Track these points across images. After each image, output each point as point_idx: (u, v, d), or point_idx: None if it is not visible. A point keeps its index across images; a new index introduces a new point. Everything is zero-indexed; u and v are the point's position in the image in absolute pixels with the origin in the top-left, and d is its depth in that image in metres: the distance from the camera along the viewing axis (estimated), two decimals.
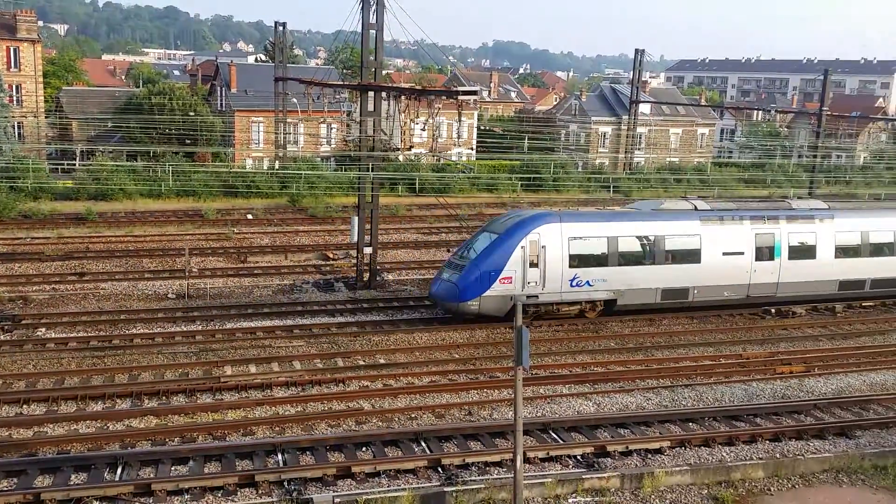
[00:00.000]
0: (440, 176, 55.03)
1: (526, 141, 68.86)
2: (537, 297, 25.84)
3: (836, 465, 17.74)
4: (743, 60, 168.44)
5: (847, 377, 23.65)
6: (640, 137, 71.12)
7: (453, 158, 64.25)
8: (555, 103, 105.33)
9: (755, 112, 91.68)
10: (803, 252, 28.99)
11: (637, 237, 27.11)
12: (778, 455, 17.97)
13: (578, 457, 17.41)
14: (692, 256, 27.40)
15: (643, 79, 73.44)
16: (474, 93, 31.00)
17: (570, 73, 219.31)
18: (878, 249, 30.13)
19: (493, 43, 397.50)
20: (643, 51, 63.11)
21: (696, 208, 28.72)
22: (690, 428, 19.25)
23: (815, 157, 42.85)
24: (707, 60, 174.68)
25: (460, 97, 28.68)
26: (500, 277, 25.12)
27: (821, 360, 24.91)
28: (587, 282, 26.33)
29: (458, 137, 67.32)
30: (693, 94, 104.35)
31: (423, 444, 17.58)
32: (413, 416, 19.67)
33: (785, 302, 29.69)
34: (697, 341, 26.54)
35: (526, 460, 16.58)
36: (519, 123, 79.90)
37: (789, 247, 28.77)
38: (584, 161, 70.75)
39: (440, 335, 26.20)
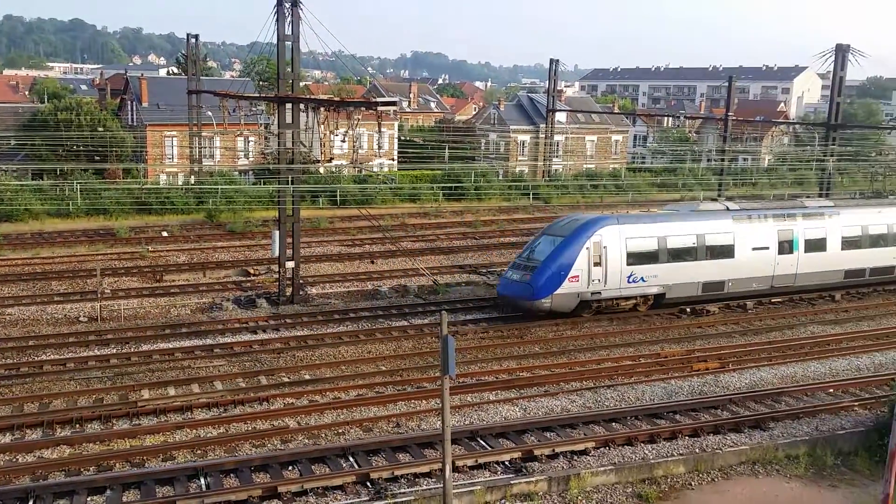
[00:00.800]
0: (362, 187, 54.74)
1: (447, 150, 69.30)
2: (600, 293, 28.17)
3: (752, 457, 18.45)
4: (653, 69, 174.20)
5: (760, 371, 24.65)
6: (558, 145, 72.58)
7: (375, 170, 64.08)
8: (474, 113, 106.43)
9: (665, 118, 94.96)
10: (816, 245, 31.79)
11: (683, 236, 29.35)
12: (697, 450, 18.55)
13: (507, 462, 17.55)
14: (727, 252, 29.91)
15: (559, 88, 74.98)
16: (394, 103, 31.00)
17: (489, 84, 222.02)
18: (875, 241, 33.21)
19: (412, 54, 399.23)
20: (558, 61, 64.47)
21: (727, 209, 31.48)
22: (614, 428, 19.68)
23: (722, 160, 44.70)
24: (619, 69, 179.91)
25: (380, 108, 28.62)
26: (569, 276, 27.26)
27: (735, 355, 25.88)
28: (641, 278, 28.56)
29: (380, 148, 67.21)
30: (607, 102, 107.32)
31: (351, 459, 17.39)
32: (340, 431, 19.44)
33: (801, 291, 32.59)
34: (618, 342, 27.19)
35: (455, 469, 16.60)
36: (439, 133, 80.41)
37: (805, 241, 31.52)
38: (505, 169, 71.69)
39: (366, 348, 26.02)
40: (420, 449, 18.02)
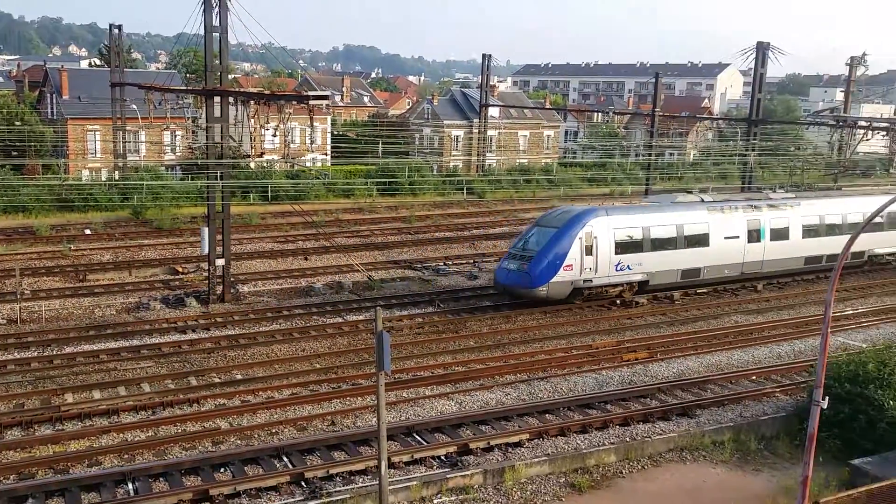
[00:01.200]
0: (294, 183, 54.00)
1: (380, 145, 68.98)
2: (591, 280, 29.56)
3: (680, 444, 19.01)
4: (583, 65, 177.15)
5: (686, 360, 25.38)
6: (491, 140, 73.09)
7: (307, 165, 63.30)
8: (408, 107, 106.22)
9: (595, 114, 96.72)
10: (780, 234, 33.81)
11: (664, 226, 30.93)
12: (628, 439, 19.00)
13: (443, 457, 17.62)
14: (703, 241, 31.61)
15: (491, 83, 75.50)
16: (326, 97, 30.64)
17: (422, 78, 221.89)
18: (831, 230, 35.05)
19: (344, 47, 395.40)
20: (490, 56, 64.91)
21: (703, 200, 33.12)
22: (547, 419, 19.98)
23: (650, 155, 45.82)
24: (550, 65, 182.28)
25: (311, 102, 28.23)
26: (563, 265, 28.65)
27: (663, 345, 26.59)
28: (628, 266, 30.08)
29: (312, 143, 66.37)
30: (538, 98, 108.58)
31: (285, 459, 17.17)
32: (274, 431, 19.17)
33: (767, 276, 34.54)
34: (551, 335, 27.59)
35: (391, 465, 16.59)
36: (373, 128, 79.92)
37: (770, 230, 33.47)
38: (439, 164, 71.80)
39: (300, 346, 25.71)
40: (356, 446, 17.93)
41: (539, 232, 30.01)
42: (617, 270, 29.90)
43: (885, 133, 56.34)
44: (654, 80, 45.25)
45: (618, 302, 31.29)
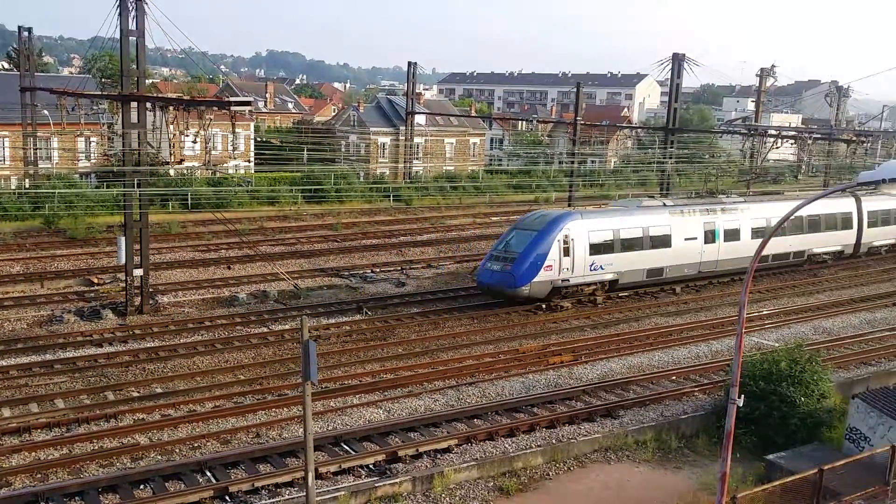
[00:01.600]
0: (216, 190, 52.75)
1: (305, 152, 68.21)
2: (569, 280, 31.01)
3: (605, 445, 19.41)
4: (507, 74, 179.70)
5: (609, 362, 25.95)
6: (418, 147, 73.27)
7: (230, 172, 62.01)
8: (333, 114, 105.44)
9: (520, 122, 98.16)
10: (732, 236, 36.02)
11: (632, 228, 32.72)
12: (554, 441, 19.29)
13: (371, 466, 17.50)
14: (666, 242, 33.56)
15: (417, 91, 75.72)
16: (248, 103, 30.11)
17: (348, 85, 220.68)
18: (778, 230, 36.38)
19: (268, 52, 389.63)
20: (416, 63, 65.09)
21: (664, 205, 35.36)
22: (476, 424, 20.09)
23: (573, 162, 46.78)
24: (475, 74, 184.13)
25: (233, 108, 27.70)
26: (544, 266, 30.00)
27: (587, 348, 27.11)
28: (600, 266, 31.70)
29: (234, 150, 64.97)
30: (464, 106, 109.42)
31: (208, 473, 16.72)
32: (196, 445, 18.65)
33: (721, 275, 36.90)
34: (479, 340, 27.78)
35: (318, 476, 16.36)
36: (298, 135, 78.98)
37: (724, 231, 35.74)
38: (366, 171, 71.50)
39: (223, 357, 25.10)
40: (282, 458, 17.63)
41: (519, 234, 31.26)
42: (591, 270, 31.53)
43: (793, 141, 59.06)
44: (575, 89, 46.20)
45: (543, 307, 31.79)
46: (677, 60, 43.38)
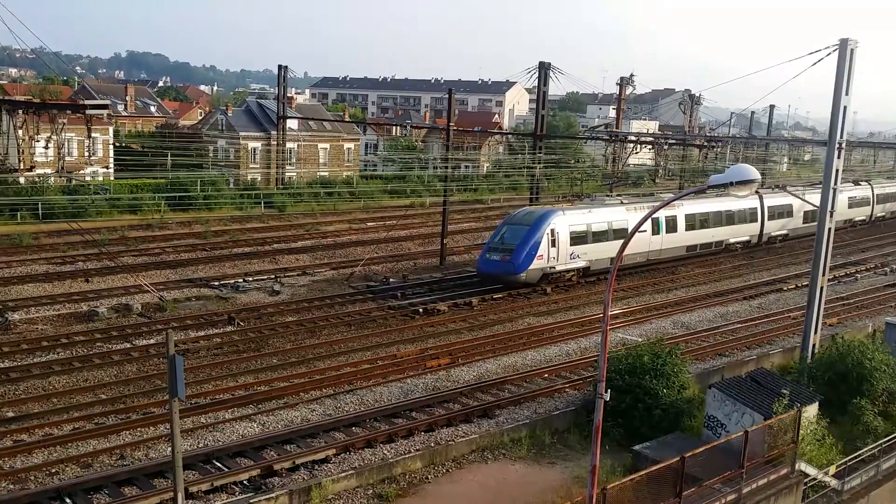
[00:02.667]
0: (72, 199, 49.61)
1: (169, 158, 65.36)
2: (555, 268, 35.68)
3: (482, 445, 19.73)
4: (380, 79, 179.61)
5: (486, 363, 26.44)
6: (290, 152, 71.87)
7: (87, 179, 58.46)
8: (200, 118, 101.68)
9: (394, 127, 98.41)
10: (672, 228, 41.18)
11: (600, 223, 37.31)
12: (433, 444, 19.42)
13: (245, 482, 16.97)
14: (624, 234, 37.26)
15: (289, 95, 74.26)
16: (106, 106, 28.73)
17: (215, 88, 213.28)
18: (703, 224, 43.55)
19: (128, 53, 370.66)
20: (286, 67, 63.86)
21: (622, 202, 40.39)
22: (354, 432, 19.90)
23: (446, 167, 47.38)
24: (348, 78, 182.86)
25: (89, 111, 26.23)
26: (536, 255, 34.36)
27: (463, 351, 27.50)
28: (577, 255, 36.31)
29: (91, 155, 61.37)
30: (337, 111, 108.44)
31: (67, 500, 15.66)
32: (54, 471, 17.43)
33: (663, 262, 42.02)
34: (356, 347, 27.56)
35: (189, 496, 15.69)
36: (162, 139, 75.52)
37: (665, 225, 40.72)
38: (236, 177, 69.35)
39: (83, 376, 23.62)
40: (149, 480, 16.77)
41: (512, 229, 35.52)
42: (571, 259, 36.24)
43: (651, 147, 62.33)
44: (448, 95, 46.86)
45: (421, 311, 31.98)
46: (543, 69, 44.83)
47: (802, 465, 18.27)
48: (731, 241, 46.24)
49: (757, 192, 46.48)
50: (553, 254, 35.15)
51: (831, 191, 24.65)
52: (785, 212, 50.08)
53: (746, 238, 47.22)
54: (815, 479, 18.68)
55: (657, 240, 40.34)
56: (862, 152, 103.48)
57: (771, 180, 65.21)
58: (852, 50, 23.29)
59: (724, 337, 30.68)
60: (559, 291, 36.94)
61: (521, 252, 34.29)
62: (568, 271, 36.58)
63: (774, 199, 49.23)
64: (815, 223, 43.19)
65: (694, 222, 42.67)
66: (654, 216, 38.74)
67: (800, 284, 39.40)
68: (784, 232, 50.66)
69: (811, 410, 19.45)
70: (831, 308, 33.81)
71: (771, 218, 48.68)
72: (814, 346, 24.96)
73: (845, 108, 23.67)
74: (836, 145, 24.12)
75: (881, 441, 21.01)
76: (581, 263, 36.76)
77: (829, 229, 24.87)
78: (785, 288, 39.86)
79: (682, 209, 41.71)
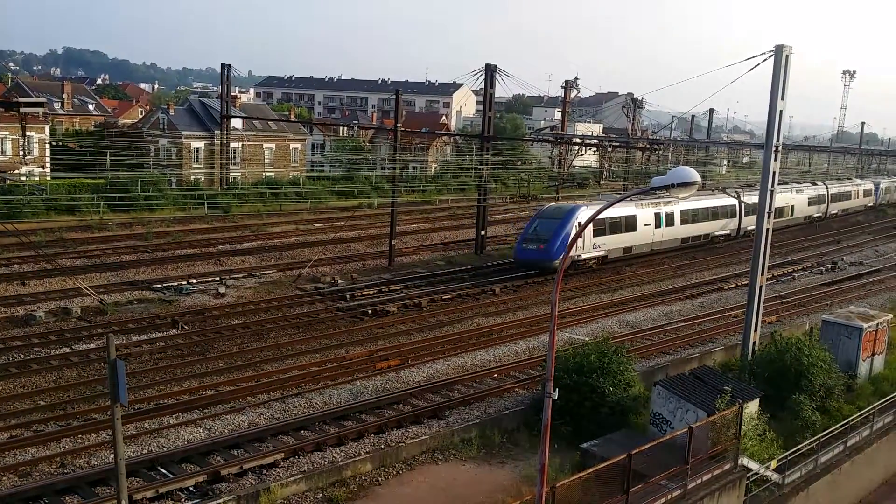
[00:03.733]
0: (7, 199, 47.88)
1: (108, 157, 63.65)
2: (580, 256, 40.47)
3: (432, 446, 19.74)
4: (326, 79, 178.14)
5: (436, 364, 26.45)
6: (235, 152, 70.73)
7: (22, 178, 56.50)
8: (141, 117, 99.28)
9: (341, 128, 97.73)
10: (670, 222, 46.27)
11: (615, 216, 41.51)
12: (383, 446, 19.34)
13: (191, 488, 16.64)
14: (634, 226, 43.36)
15: (233, 94, 73.13)
16: (41, 104, 27.70)
17: (156, 86, 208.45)
18: (695, 218, 48.69)
19: (65, 50, 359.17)
20: (230, 65, 62.87)
21: (631, 198, 43.37)
22: (303, 436, 19.69)
23: (394, 168, 47.23)
24: (294, 78, 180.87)
25: (23, 109, 25.33)
26: (567, 245, 37.02)
27: (413, 351, 27.46)
28: (598, 245, 41.19)
29: (26, 154, 59.36)
30: (283, 110, 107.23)
31: None
32: None
33: (662, 251, 46.82)
34: (305, 349, 27.26)
35: (133, 503, 15.29)
36: (101, 139, 73.46)
37: (665, 220, 45.70)
38: (178, 177, 67.91)
39: (19, 382, 22.81)
40: (91, 487, 16.30)
41: (543, 222, 39.96)
42: (593, 249, 41.00)
43: (595, 149, 63.25)
44: (395, 96, 46.72)
45: (370, 312, 31.83)
46: (490, 71, 45.08)
47: (745, 460, 18.78)
48: (717, 233, 51.94)
49: (736, 191, 54.01)
50: (580, 244, 40.07)
51: (769, 192, 25.43)
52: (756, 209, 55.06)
53: (728, 232, 52.71)
54: (757, 473, 19.24)
55: (659, 232, 45.61)
56: (797, 155, 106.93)
57: (741, 182, 71.27)
58: (787, 56, 24.08)
59: (668, 335, 31.33)
60: (507, 292, 37.22)
61: (555, 242, 38.71)
62: (591, 259, 41.41)
63: (750, 199, 53.74)
64: (781, 219, 51.72)
65: (688, 218, 47.90)
66: (656, 212, 45.08)
67: (740, 283, 40.51)
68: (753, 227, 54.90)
69: (752, 406, 20.02)
70: (770, 306, 34.84)
71: (747, 214, 53.03)
72: (754, 343, 25.68)
73: (781, 112, 24.44)
74: (773, 148, 24.90)
75: (819, 435, 21.75)
76: (601, 252, 41.62)
77: (768, 230, 25.66)
78: (726, 287, 40.92)
79: (678, 205, 46.69)
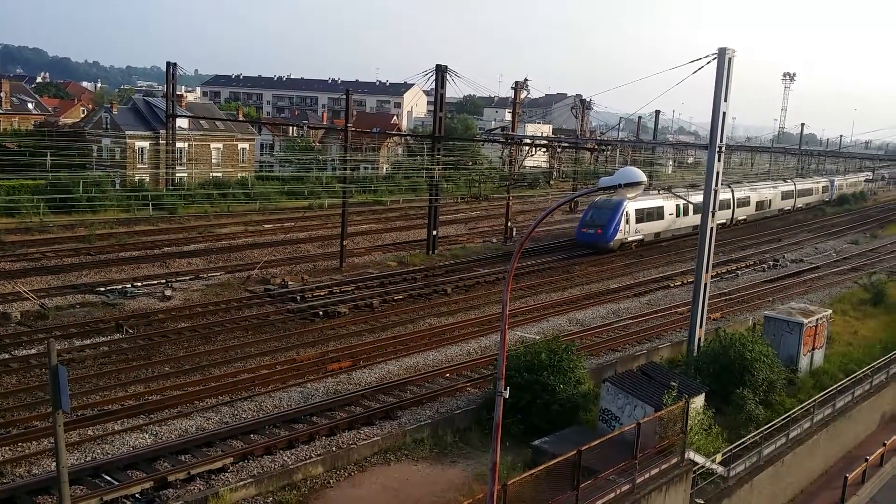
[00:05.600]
0: None
1: (49, 157, 61.79)
2: (626, 238, 49.39)
3: (385, 447, 19.66)
4: (275, 78, 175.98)
5: (387, 365, 26.38)
6: (181, 152, 69.33)
7: None
8: (83, 116, 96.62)
9: (290, 127, 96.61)
10: (686, 212, 54.19)
11: (649, 207, 51.18)
12: (334, 448, 19.21)
13: (137, 495, 16.27)
14: (662, 216, 52.87)
15: (179, 92, 71.64)
16: None
17: (98, 84, 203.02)
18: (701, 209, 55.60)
19: (2, 47, 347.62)
20: (175, 64, 61.63)
21: (659, 192, 52.91)
22: (252, 439, 19.43)
23: (345, 169, 46.90)
24: (242, 77, 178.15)
25: None
26: (619, 229, 48.41)
27: (365, 353, 27.33)
28: (637, 230, 50.29)
29: None
30: (230, 110, 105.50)
31: None
32: None
33: (678, 237, 54.81)
34: (254, 352, 26.90)
35: None
36: (41, 138, 71.24)
37: (683, 210, 54.11)
38: (122, 178, 66.28)
39: None
40: (32, 497, 15.82)
41: (597, 211, 49.43)
42: (634, 233, 49.97)
43: (545, 150, 63.84)
44: (345, 96, 46.40)
45: (321, 313, 31.57)
46: (440, 71, 45.15)
47: (691, 454, 19.17)
48: (739, 217, 63.66)
49: (730, 186, 63.14)
50: (626, 228, 48.72)
51: (713, 191, 25.97)
52: (746, 202, 66.03)
53: (724, 221, 60.30)
54: (703, 466, 19.65)
55: (679, 220, 54.63)
56: (741, 156, 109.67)
57: (693, 181, 77.59)
58: (730, 59, 24.67)
59: (616, 332, 31.82)
60: (459, 292, 37.32)
61: (610, 227, 48.19)
62: (634, 241, 50.03)
63: (740, 193, 65.01)
64: (764, 211, 64.03)
65: (697, 209, 55.50)
66: (676, 204, 53.55)
67: (685, 281, 41.38)
68: (744, 217, 65.80)
69: (698, 401, 20.45)
70: (715, 303, 35.68)
71: (738, 206, 63.56)
72: (699, 339, 26.25)
73: (724, 113, 25.03)
74: (717, 149, 25.48)
75: (762, 429, 22.34)
76: (639, 237, 50.43)
77: (712, 229, 26.21)
78: (672, 285, 41.75)
79: (692, 199, 53.43)
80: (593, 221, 49.05)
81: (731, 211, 62.31)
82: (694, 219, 55.21)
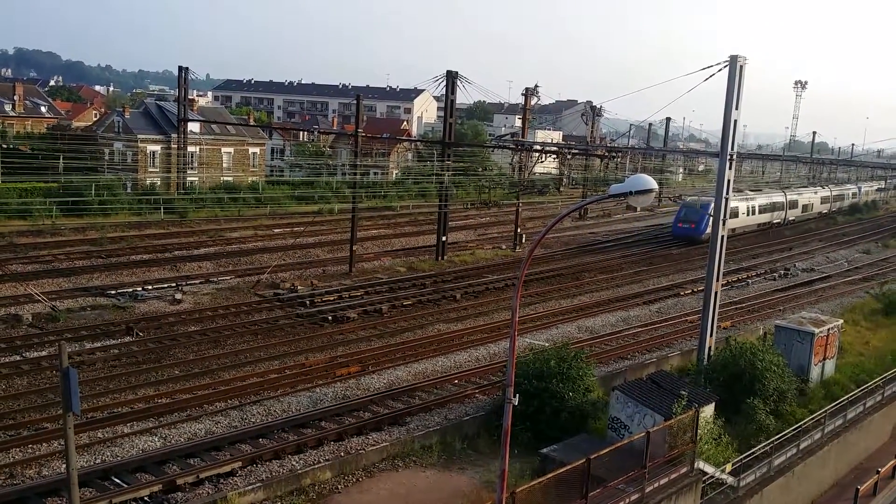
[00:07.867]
0: None
1: (61, 160, 62.20)
2: (707, 232, 46.54)
3: (393, 453, 19.65)
4: (286, 83, 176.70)
5: (396, 370, 26.37)
6: (192, 156, 69.66)
7: None
8: (95, 119, 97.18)
9: (301, 132, 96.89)
10: (753, 212, 63.38)
11: (731, 206, 51.78)
12: (343, 454, 19.21)
13: (146, 498, 16.32)
14: (737, 214, 58.84)
15: (191, 97, 72.04)
16: None
17: (111, 88, 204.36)
18: (762, 210, 66.68)
19: (16, 51, 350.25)
20: (187, 69, 61.96)
21: (733, 196, 55.42)
22: (261, 443, 19.45)
23: (355, 174, 47.02)
24: (253, 82, 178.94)
25: None
26: (708, 225, 47.95)
27: (373, 358, 27.34)
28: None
29: None
30: (242, 114, 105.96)
31: None
32: None
33: (745, 233, 62.20)
34: (263, 356, 26.96)
35: None
36: (53, 141, 71.72)
37: (749, 210, 62.81)
38: (134, 181, 66.64)
39: None
40: (42, 499, 15.89)
41: (689, 210, 59.11)
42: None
43: (555, 156, 63.83)
44: (356, 101, 46.56)
45: (330, 318, 31.60)
46: (451, 77, 45.21)
47: (701, 464, 19.06)
48: (774, 221, 68.99)
49: (783, 190, 74.37)
50: (709, 224, 51.11)
51: (724, 199, 25.88)
52: (795, 204, 74.14)
53: (779, 220, 69.49)
54: (712, 476, 19.52)
55: (747, 219, 62.73)
56: (752, 163, 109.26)
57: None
58: (741, 66, 24.60)
59: (626, 340, 31.70)
60: (468, 298, 37.29)
61: (702, 223, 55.79)
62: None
63: (791, 196, 73.68)
64: (808, 213, 77.49)
65: (761, 210, 65.78)
66: (745, 205, 62.44)
67: (696, 289, 41.21)
68: (794, 217, 73.69)
69: (708, 410, 20.33)
70: (725, 312, 35.52)
71: (790, 208, 72.06)
72: (709, 348, 26.11)
73: (735, 121, 24.95)
74: (728, 157, 25.40)
75: (773, 439, 22.17)
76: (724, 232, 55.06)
77: (722, 237, 26.11)
78: (682, 293, 41.60)
79: (756, 202, 65.02)
80: (687, 218, 58.60)
81: (784, 212, 71.06)
82: (759, 217, 66.75)
